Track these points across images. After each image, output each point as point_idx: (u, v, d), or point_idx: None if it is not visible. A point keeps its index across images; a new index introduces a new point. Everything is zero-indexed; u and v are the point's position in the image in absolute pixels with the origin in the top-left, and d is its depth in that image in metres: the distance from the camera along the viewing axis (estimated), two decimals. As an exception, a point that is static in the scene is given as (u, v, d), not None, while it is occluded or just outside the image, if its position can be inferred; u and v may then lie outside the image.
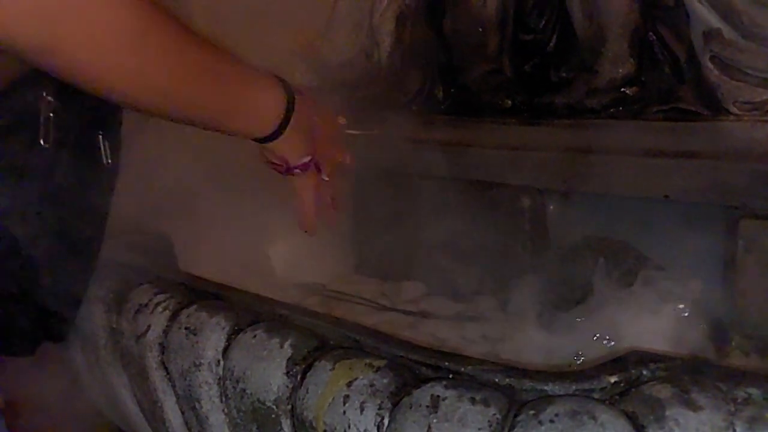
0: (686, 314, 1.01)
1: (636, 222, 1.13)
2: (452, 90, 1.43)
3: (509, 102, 1.29)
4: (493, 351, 1.15)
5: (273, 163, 0.90)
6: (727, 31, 1.00)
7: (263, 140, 0.85)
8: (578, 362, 1.04)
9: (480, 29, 1.33)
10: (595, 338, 1.04)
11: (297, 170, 0.89)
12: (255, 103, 0.81)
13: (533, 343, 1.14)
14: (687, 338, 1.00)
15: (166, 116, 0.75)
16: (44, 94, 0.85)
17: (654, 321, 1.01)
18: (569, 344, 1.10)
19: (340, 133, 0.96)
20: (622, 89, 1.14)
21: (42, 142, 0.86)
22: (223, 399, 0.82)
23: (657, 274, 1.08)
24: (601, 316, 1.06)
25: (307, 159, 0.89)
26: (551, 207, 1.26)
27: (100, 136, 0.93)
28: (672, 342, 0.98)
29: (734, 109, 1.02)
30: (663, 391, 0.58)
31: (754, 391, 0.56)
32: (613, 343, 1.01)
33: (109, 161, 0.94)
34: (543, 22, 1.28)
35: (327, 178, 0.94)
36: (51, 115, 0.86)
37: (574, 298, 1.13)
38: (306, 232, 0.97)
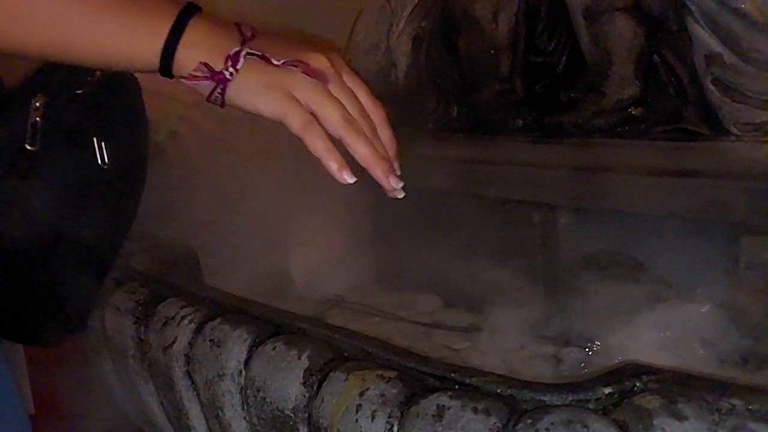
0: (689, 327, 1.04)
1: (642, 237, 1.15)
2: (466, 109, 1.46)
3: (520, 121, 1.32)
4: (504, 362, 1.18)
5: (194, 77, 0.66)
6: (728, 55, 1.02)
7: (165, 62, 0.65)
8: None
9: (492, 51, 1.35)
10: (600, 350, 1.07)
11: (228, 68, 0.64)
12: (127, 18, 0.65)
13: (543, 353, 1.18)
14: (688, 351, 1.03)
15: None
16: (33, 101, 0.87)
17: (657, 334, 1.04)
18: (578, 355, 1.14)
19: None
20: (629, 110, 1.17)
21: (28, 146, 0.87)
22: (245, 407, 0.85)
23: (662, 289, 1.10)
24: (606, 329, 1.09)
25: (232, 51, 0.64)
26: (561, 222, 1.28)
27: (96, 138, 0.92)
28: (673, 355, 1.01)
29: (735, 130, 1.04)
30: (652, 402, 0.62)
31: (737, 402, 0.60)
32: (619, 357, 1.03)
33: (107, 162, 0.92)
34: (552, 45, 1.31)
35: (278, 63, 0.64)
36: (38, 119, 0.87)
37: (583, 310, 1.16)
38: (337, 174, 0.66)
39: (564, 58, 1.31)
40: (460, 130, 1.46)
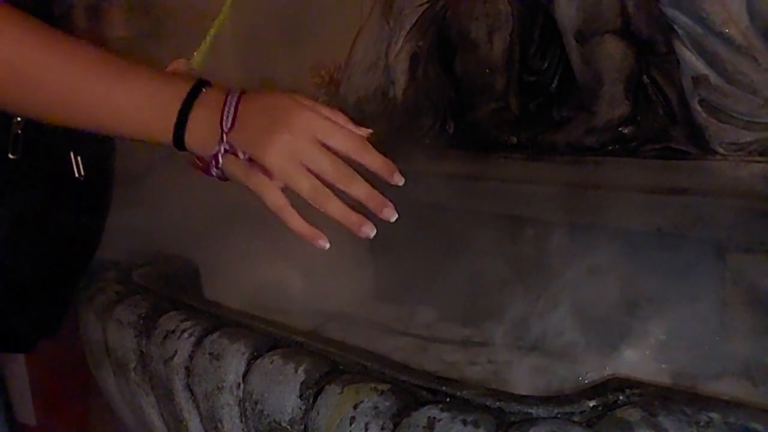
0: (677, 341, 1.06)
1: (633, 253, 1.18)
2: (462, 126, 1.48)
3: (515, 138, 1.34)
4: (498, 375, 1.20)
5: (196, 165, 0.79)
6: (714, 77, 1.05)
7: (177, 145, 0.75)
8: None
9: (487, 70, 1.38)
10: (591, 363, 1.09)
11: (214, 168, 0.75)
12: (141, 101, 0.74)
13: (536, 367, 1.20)
14: (677, 364, 1.05)
15: (42, 114, 0.77)
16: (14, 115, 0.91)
17: (646, 348, 1.07)
18: (570, 369, 1.16)
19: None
20: (619, 129, 1.19)
21: (10, 155, 0.91)
22: (243, 419, 0.87)
23: (651, 303, 1.13)
24: (599, 342, 1.11)
25: (215, 149, 0.74)
26: (554, 237, 1.30)
27: (72, 153, 0.97)
28: (662, 368, 1.03)
29: (720, 150, 1.07)
30: (634, 415, 0.64)
31: (715, 415, 0.62)
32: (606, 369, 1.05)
33: (82, 174, 0.97)
34: (545, 65, 1.34)
35: (245, 159, 0.74)
36: (19, 132, 0.91)
37: (576, 324, 1.18)
38: (313, 243, 0.76)
39: (557, 78, 1.34)
40: (456, 146, 1.48)
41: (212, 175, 0.76)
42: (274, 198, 0.74)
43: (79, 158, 0.97)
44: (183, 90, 0.74)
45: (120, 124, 0.76)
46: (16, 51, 0.71)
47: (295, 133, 0.73)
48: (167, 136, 0.75)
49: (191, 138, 0.74)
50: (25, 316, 1.00)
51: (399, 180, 0.76)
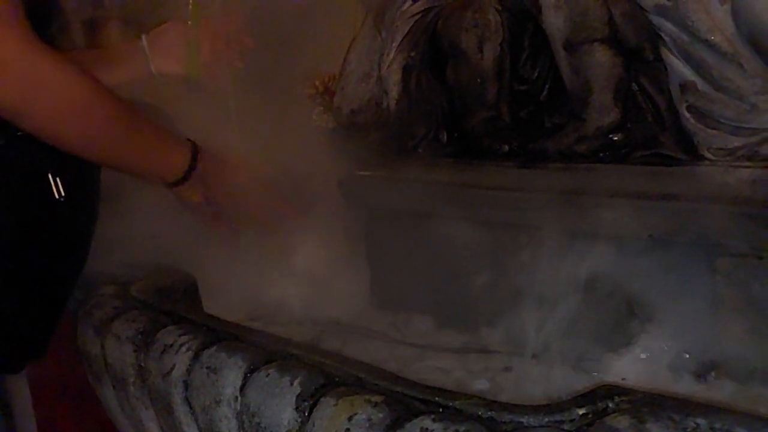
0: (669, 346, 1.07)
1: (626, 259, 1.19)
2: (455, 135, 1.50)
3: (507, 147, 1.35)
4: (495, 382, 1.21)
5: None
6: (701, 84, 1.06)
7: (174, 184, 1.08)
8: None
9: (479, 80, 1.39)
10: (586, 369, 1.10)
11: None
12: (165, 156, 1.04)
13: (532, 375, 1.20)
14: (670, 369, 1.06)
15: (98, 161, 1.01)
16: None
17: (641, 353, 1.08)
18: (565, 377, 1.17)
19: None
20: (609, 136, 1.20)
21: None
22: (241, 432, 0.89)
23: (645, 309, 1.13)
24: (592, 348, 1.12)
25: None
26: (548, 245, 1.31)
27: (51, 174, 1.00)
28: (656, 374, 1.04)
29: (709, 155, 1.07)
30: (622, 422, 0.65)
31: (702, 421, 0.63)
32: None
33: (62, 195, 1.01)
34: (536, 74, 1.35)
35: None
36: None
37: (570, 331, 1.19)
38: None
39: (547, 86, 1.36)
40: (450, 155, 1.50)
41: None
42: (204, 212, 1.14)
43: (58, 179, 1.00)
44: (188, 153, 1.07)
45: (134, 168, 1.03)
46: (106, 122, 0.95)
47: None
48: (164, 182, 1.07)
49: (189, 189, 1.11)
50: (10, 339, 1.01)
51: None
